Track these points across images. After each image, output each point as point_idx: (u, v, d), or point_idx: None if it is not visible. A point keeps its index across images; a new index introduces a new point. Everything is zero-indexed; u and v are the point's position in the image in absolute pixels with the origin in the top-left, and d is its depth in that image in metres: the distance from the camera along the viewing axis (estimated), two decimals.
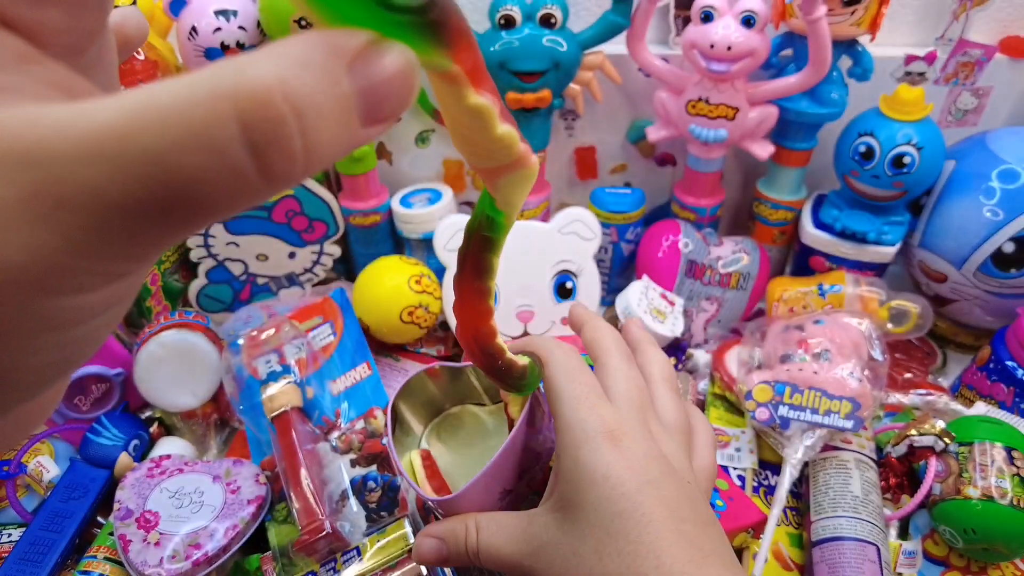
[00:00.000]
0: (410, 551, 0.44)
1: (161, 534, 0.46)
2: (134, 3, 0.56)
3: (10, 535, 0.50)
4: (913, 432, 0.51)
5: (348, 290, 0.63)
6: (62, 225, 0.10)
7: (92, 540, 0.49)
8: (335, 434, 0.52)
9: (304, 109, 0.10)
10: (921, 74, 0.66)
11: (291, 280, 0.70)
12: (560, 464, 0.27)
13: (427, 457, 0.44)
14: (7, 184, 0.09)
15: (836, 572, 0.44)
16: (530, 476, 0.39)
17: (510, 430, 0.38)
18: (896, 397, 0.58)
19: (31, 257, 0.09)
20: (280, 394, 0.52)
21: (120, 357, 0.57)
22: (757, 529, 0.49)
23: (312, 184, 0.65)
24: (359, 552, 0.45)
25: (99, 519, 0.52)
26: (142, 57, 0.59)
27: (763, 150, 0.63)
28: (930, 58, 0.65)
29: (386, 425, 0.44)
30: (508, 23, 0.59)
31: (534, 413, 0.39)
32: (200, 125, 0.10)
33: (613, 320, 0.62)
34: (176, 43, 0.61)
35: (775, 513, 0.48)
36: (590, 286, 0.62)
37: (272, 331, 0.57)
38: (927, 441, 0.50)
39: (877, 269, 0.65)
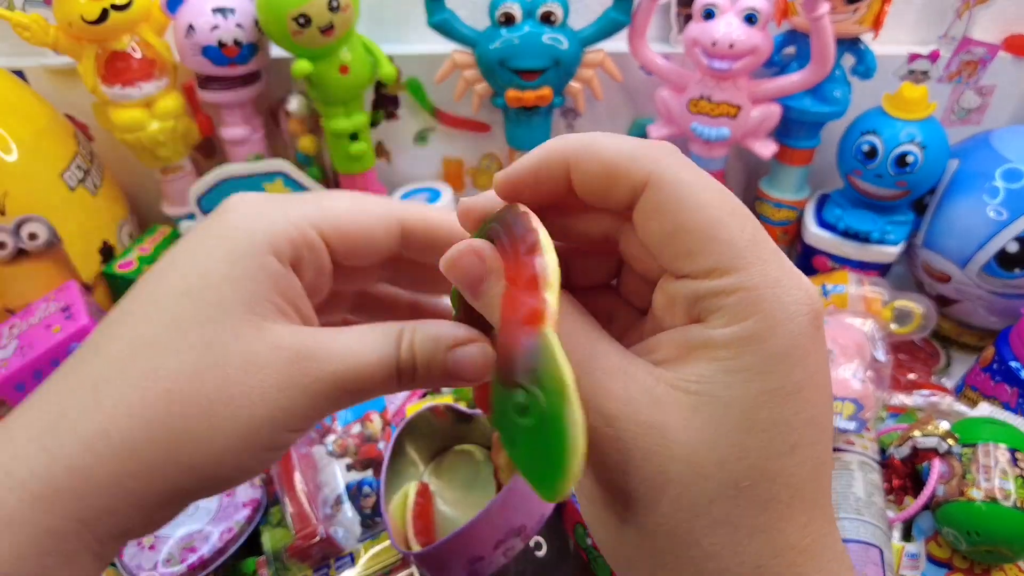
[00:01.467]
0: (403, 560, 0.44)
1: (156, 537, 0.45)
2: (129, 3, 0.56)
3: None
4: (916, 433, 0.50)
5: None
6: (318, 409, 0.19)
7: None
8: (331, 438, 0.52)
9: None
10: (924, 72, 0.66)
11: None
12: (757, 314, 0.16)
13: (423, 492, 0.44)
14: (308, 387, 0.18)
15: None
16: (507, 546, 0.38)
17: (497, 491, 0.38)
18: (899, 398, 0.57)
19: (294, 417, 0.19)
20: None
21: None
22: None
23: (310, 182, 0.64)
24: (352, 558, 0.45)
25: None
26: (139, 56, 0.59)
27: (765, 149, 0.63)
28: (933, 56, 0.65)
29: (383, 464, 0.44)
30: (508, 20, 0.58)
31: (527, 485, 0.38)
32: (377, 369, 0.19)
33: None
34: (173, 41, 0.61)
35: None
36: None
37: None
38: (930, 442, 0.50)
39: (880, 269, 0.65)
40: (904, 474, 0.52)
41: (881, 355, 0.54)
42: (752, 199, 0.72)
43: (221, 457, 0.18)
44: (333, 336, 0.19)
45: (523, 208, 0.18)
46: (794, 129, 0.63)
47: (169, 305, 0.18)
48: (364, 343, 0.19)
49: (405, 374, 0.19)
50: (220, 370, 0.17)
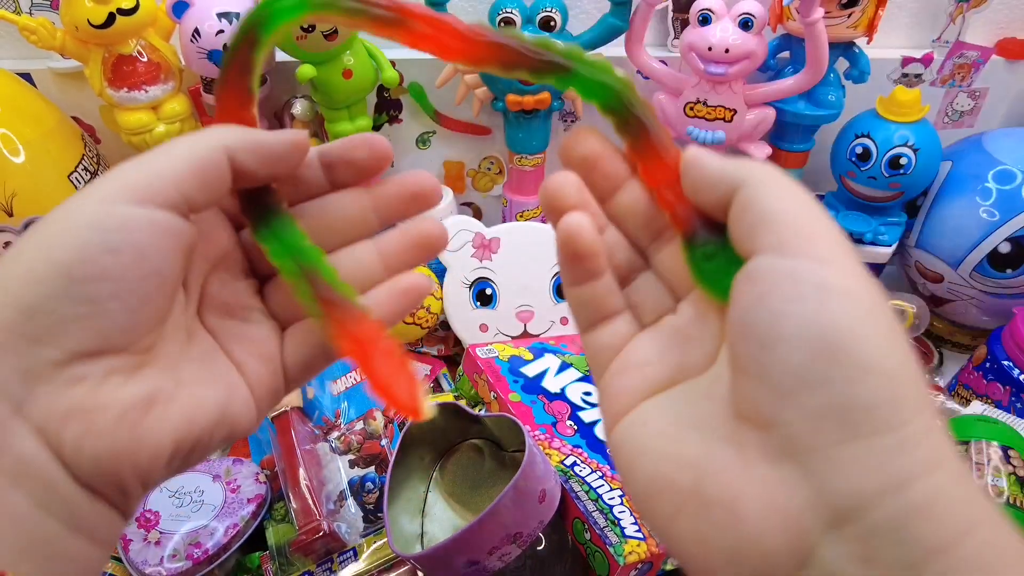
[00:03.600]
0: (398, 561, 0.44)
1: (161, 533, 0.46)
2: (136, 8, 0.57)
3: None
4: None
5: None
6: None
7: None
8: (334, 434, 0.52)
9: None
10: (918, 76, 0.67)
11: None
12: None
13: None
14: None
15: None
16: (503, 552, 0.39)
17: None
18: None
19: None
20: None
21: None
22: None
23: None
24: (356, 553, 0.45)
25: None
26: (145, 59, 0.60)
27: (760, 152, 0.64)
28: (927, 60, 0.66)
29: (389, 466, 0.45)
30: (508, 25, 0.59)
31: (523, 494, 0.39)
32: None
33: None
34: (179, 45, 0.62)
35: None
36: None
37: None
38: None
39: (874, 269, 0.65)
40: None
41: None
42: None
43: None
44: None
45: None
46: (788, 132, 0.64)
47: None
48: None
49: None
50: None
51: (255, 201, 0.22)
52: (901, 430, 0.15)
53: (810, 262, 0.17)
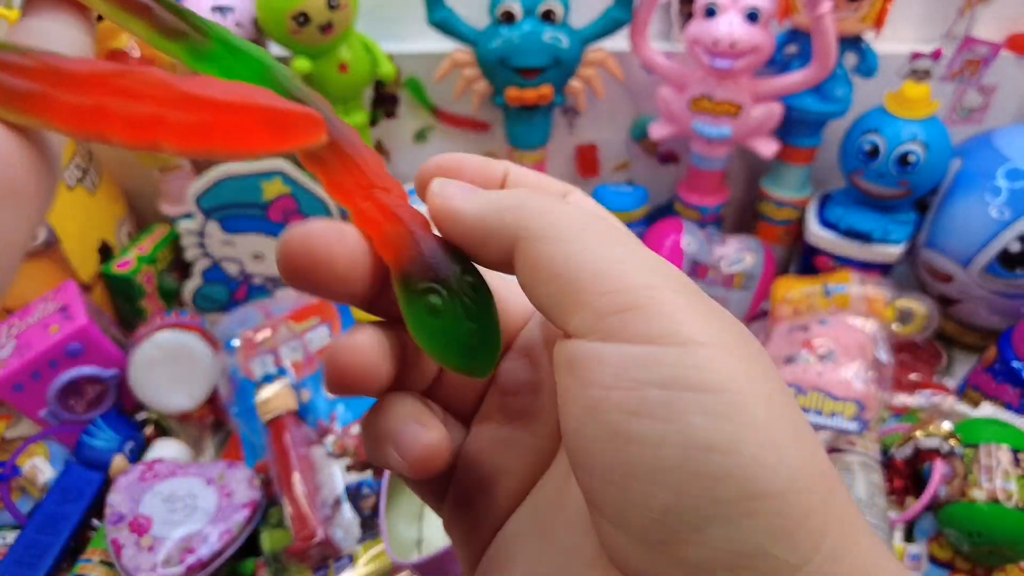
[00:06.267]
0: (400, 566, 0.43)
1: (154, 538, 0.45)
2: None
3: (4, 538, 0.49)
4: (918, 434, 0.50)
5: None
6: None
7: (87, 542, 0.49)
8: (330, 438, 0.52)
9: None
10: (927, 71, 0.66)
11: None
12: None
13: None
14: None
15: None
16: None
17: None
18: (901, 398, 0.57)
19: None
20: (275, 397, 0.51)
21: (114, 358, 0.56)
22: None
23: (309, 181, 0.64)
24: (352, 559, 0.44)
25: (94, 521, 0.51)
26: (138, 54, 0.58)
27: (767, 147, 0.62)
28: (936, 55, 0.64)
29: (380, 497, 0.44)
30: (508, 18, 0.58)
31: None
32: None
33: None
34: None
35: None
36: None
37: (268, 332, 0.56)
38: (932, 443, 0.49)
39: (883, 269, 0.64)
40: (906, 475, 0.52)
41: (883, 355, 0.53)
42: (754, 198, 0.72)
43: None
44: None
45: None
46: (796, 128, 0.63)
47: None
48: None
49: None
50: None
51: None
52: (802, 569, 0.11)
53: (656, 347, 0.12)
